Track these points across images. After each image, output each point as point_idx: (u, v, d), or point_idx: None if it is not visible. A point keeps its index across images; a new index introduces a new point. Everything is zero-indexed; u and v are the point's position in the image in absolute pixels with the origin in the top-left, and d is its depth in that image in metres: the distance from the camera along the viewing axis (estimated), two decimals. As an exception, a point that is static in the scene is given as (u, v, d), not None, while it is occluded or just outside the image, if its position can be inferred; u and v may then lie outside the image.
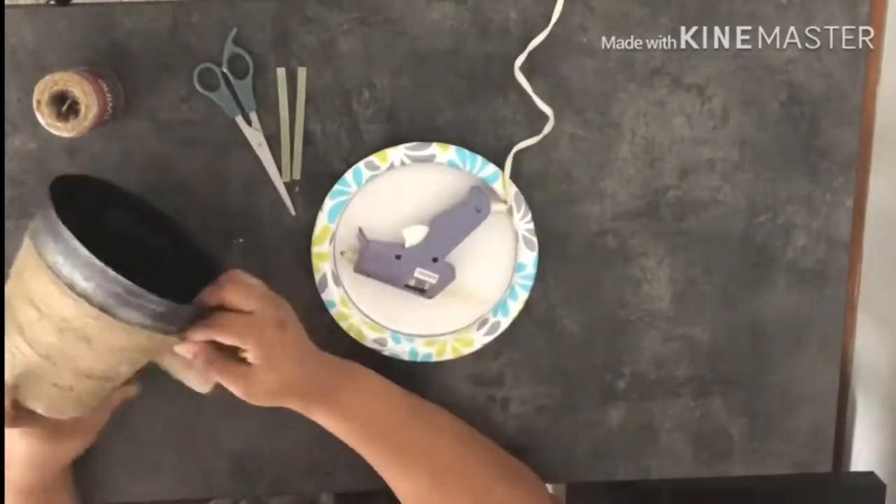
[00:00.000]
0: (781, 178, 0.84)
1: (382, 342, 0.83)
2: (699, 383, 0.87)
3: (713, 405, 0.88)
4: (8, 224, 0.79)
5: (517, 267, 0.83)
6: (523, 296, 0.83)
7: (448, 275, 0.82)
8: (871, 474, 0.91)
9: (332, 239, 0.81)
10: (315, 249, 0.81)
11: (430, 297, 0.82)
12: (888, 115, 0.88)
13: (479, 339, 0.83)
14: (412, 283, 0.81)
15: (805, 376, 0.88)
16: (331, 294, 0.81)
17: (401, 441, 0.77)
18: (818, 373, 0.88)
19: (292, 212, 0.81)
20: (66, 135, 0.70)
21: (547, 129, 0.80)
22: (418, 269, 0.81)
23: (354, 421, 0.75)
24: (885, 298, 0.91)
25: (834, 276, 0.86)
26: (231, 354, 0.70)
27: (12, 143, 0.78)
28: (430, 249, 0.81)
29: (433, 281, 0.81)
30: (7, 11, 0.75)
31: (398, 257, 0.81)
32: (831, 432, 0.89)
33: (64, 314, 0.61)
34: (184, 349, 0.68)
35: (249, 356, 0.69)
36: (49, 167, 0.79)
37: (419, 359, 0.83)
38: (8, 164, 0.78)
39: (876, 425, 0.92)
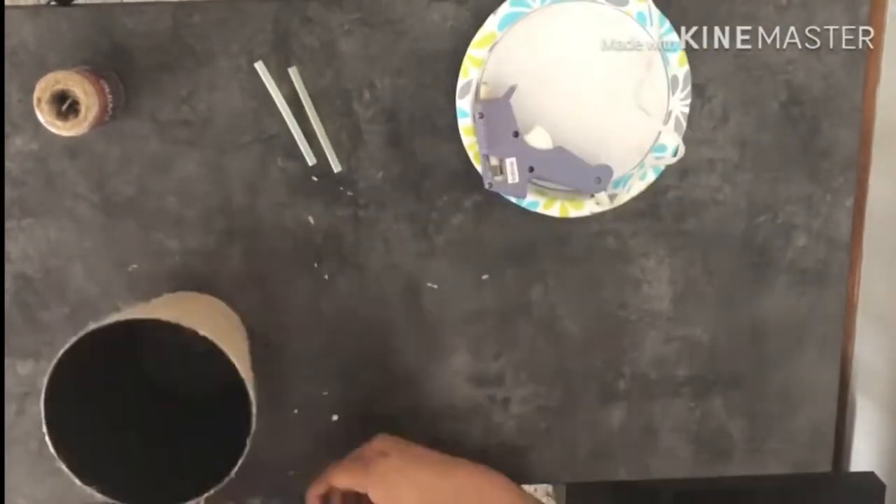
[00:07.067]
0: (781, 178, 0.84)
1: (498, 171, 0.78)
2: (699, 383, 0.87)
3: (713, 405, 0.88)
4: (8, 224, 0.79)
5: (656, 148, 0.80)
6: (651, 177, 0.81)
7: (520, 192, 0.77)
8: (871, 474, 0.91)
9: (493, 47, 0.77)
10: (472, 52, 0.77)
11: (489, 187, 0.77)
12: (888, 115, 0.87)
13: (590, 206, 0.80)
14: (494, 161, 0.77)
15: (805, 377, 0.88)
16: (465, 104, 0.78)
17: None
18: (818, 373, 0.88)
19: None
20: (64, 134, 0.70)
21: (680, 153, 0.80)
22: (510, 160, 0.76)
23: None
24: (885, 298, 0.91)
25: (834, 276, 0.86)
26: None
27: (13, 143, 0.78)
28: (535, 160, 0.77)
29: (507, 180, 0.76)
30: (8, 11, 0.75)
31: (515, 135, 0.76)
32: (831, 432, 0.89)
33: None
34: None
35: (372, 494, 0.72)
36: (49, 167, 0.79)
37: (523, 204, 0.80)
38: (8, 165, 0.78)
39: (876, 425, 0.92)
